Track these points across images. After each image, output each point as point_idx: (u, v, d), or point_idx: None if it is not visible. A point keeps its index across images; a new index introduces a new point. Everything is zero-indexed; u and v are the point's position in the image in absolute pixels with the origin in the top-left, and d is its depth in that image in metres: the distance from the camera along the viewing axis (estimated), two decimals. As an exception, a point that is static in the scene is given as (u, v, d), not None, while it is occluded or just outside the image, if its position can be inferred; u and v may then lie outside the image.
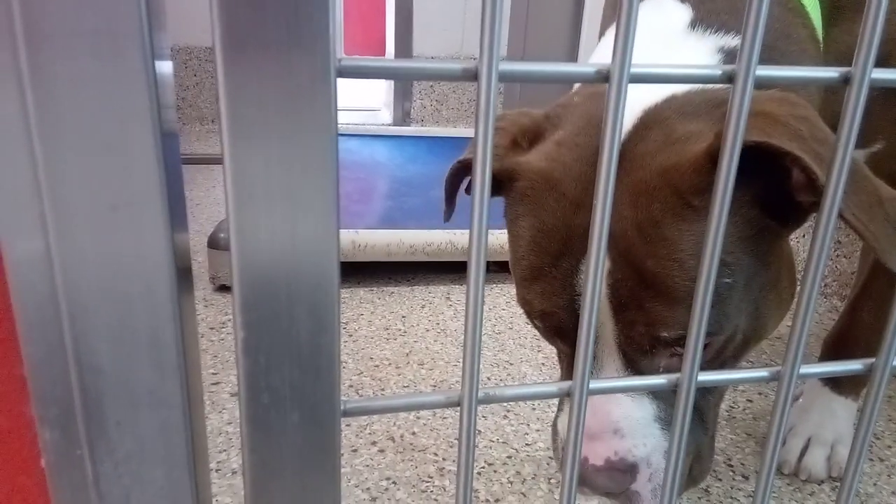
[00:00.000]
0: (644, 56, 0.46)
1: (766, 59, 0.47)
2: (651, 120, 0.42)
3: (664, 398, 0.44)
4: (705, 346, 0.41)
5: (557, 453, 0.51)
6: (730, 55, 0.45)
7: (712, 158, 0.38)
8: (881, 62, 0.50)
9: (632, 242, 0.39)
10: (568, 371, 0.49)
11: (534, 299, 0.44)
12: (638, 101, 0.43)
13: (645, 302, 0.40)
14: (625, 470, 0.43)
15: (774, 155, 0.37)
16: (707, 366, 0.44)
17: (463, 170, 0.52)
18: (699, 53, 0.46)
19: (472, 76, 0.22)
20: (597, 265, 0.25)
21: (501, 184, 0.46)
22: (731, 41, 0.46)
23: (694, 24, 0.47)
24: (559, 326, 0.44)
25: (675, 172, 0.39)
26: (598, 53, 0.55)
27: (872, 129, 0.57)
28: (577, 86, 0.55)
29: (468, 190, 0.51)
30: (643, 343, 0.41)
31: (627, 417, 0.43)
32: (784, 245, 0.44)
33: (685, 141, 0.40)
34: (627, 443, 0.43)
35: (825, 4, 0.53)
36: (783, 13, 0.49)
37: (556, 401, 0.76)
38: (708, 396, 0.47)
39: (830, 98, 0.54)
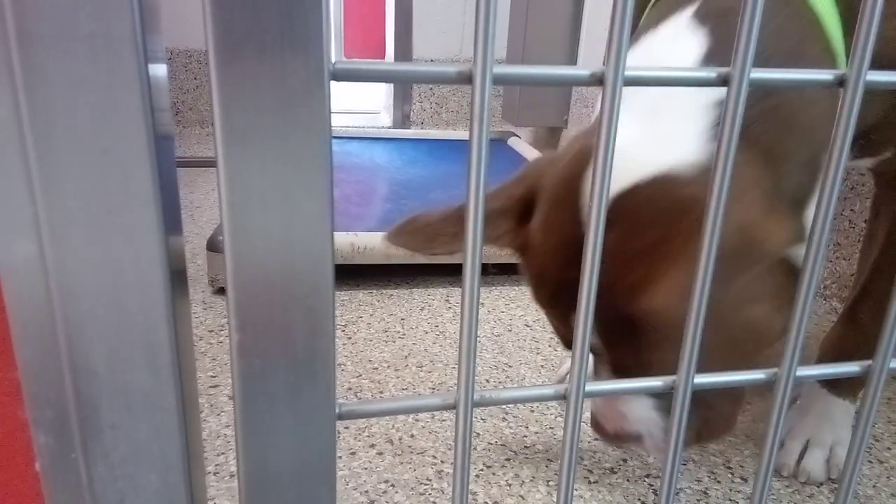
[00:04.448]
0: (649, 93, 0.43)
1: None
2: (619, 209, 0.41)
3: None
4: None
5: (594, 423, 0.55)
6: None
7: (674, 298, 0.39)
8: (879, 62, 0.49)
9: (597, 324, 0.45)
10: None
11: (547, 316, 0.52)
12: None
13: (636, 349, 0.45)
14: (627, 440, 0.52)
15: None
16: None
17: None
18: (687, 107, 0.42)
19: (467, 79, 0.22)
20: (592, 265, 0.25)
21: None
22: None
23: (707, 60, 0.43)
24: (567, 339, 0.52)
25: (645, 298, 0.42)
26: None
27: (885, 139, 0.57)
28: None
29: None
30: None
31: (630, 406, 0.50)
32: None
33: (650, 254, 0.40)
34: (629, 424, 0.50)
35: (843, 11, 0.48)
36: (797, 28, 0.45)
37: (554, 404, 0.76)
38: None
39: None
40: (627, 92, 0.43)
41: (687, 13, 0.46)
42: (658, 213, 0.40)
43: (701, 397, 0.48)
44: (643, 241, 0.40)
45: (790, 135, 0.43)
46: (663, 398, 0.49)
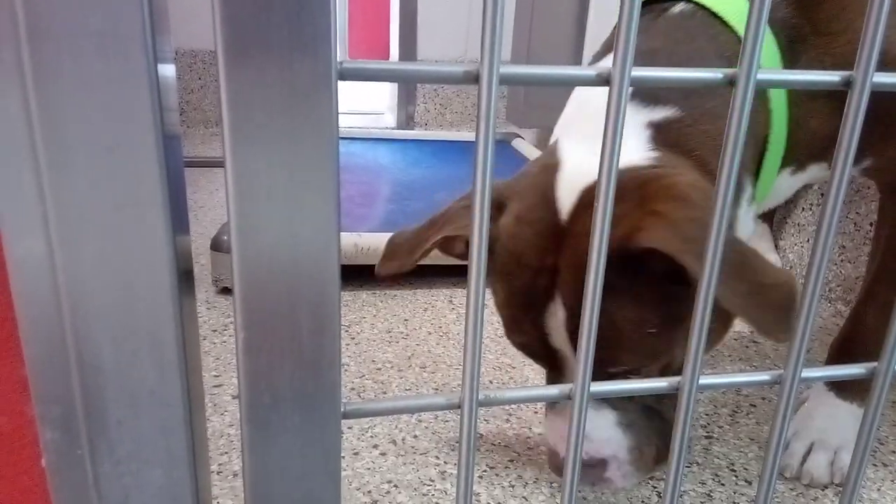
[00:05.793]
0: (581, 132, 0.54)
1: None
2: (588, 200, 0.48)
3: (621, 407, 0.53)
4: (640, 371, 0.51)
5: (551, 461, 0.58)
6: (657, 128, 0.52)
7: (619, 255, 0.44)
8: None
9: (576, 304, 0.48)
10: (551, 378, 0.57)
11: (514, 337, 0.55)
12: (577, 182, 0.50)
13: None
14: (595, 465, 0.53)
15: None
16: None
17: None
18: (629, 129, 0.52)
19: (474, 79, 0.22)
20: (596, 274, 0.25)
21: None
22: (660, 114, 0.52)
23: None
24: (536, 353, 0.55)
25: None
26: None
27: (862, 147, 0.59)
28: (571, 98, 0.62)
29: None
30: (596, 375, 0.47)
31: (592, 425, 0.52)
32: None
33: (613, 226, 0.46)
34: (595, 445, 0.53)
35: (781, 22, 0.54)
36: (703, 36, 0.53)
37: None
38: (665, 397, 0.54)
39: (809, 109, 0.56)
40: (577, 120, 0.56)
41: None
42: (627, 189, 0.48)
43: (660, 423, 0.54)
44: (617, 211, 0.51)
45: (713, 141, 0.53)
46: (621, 411, 0.53)
